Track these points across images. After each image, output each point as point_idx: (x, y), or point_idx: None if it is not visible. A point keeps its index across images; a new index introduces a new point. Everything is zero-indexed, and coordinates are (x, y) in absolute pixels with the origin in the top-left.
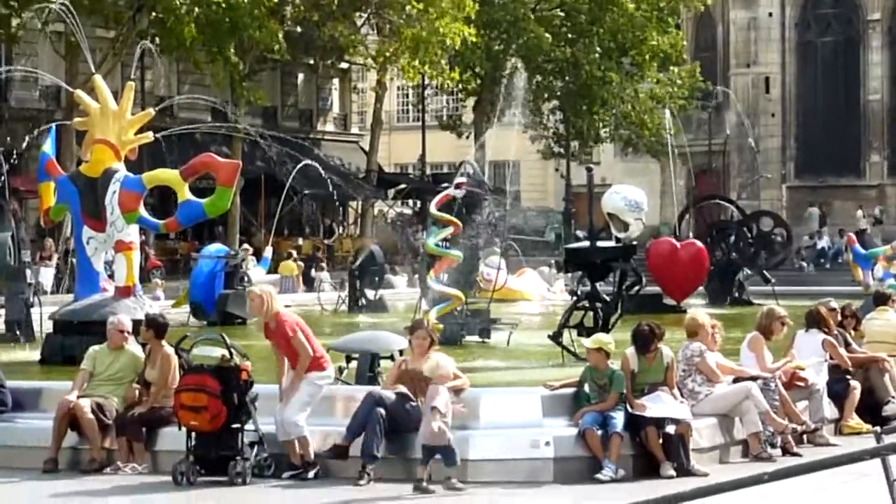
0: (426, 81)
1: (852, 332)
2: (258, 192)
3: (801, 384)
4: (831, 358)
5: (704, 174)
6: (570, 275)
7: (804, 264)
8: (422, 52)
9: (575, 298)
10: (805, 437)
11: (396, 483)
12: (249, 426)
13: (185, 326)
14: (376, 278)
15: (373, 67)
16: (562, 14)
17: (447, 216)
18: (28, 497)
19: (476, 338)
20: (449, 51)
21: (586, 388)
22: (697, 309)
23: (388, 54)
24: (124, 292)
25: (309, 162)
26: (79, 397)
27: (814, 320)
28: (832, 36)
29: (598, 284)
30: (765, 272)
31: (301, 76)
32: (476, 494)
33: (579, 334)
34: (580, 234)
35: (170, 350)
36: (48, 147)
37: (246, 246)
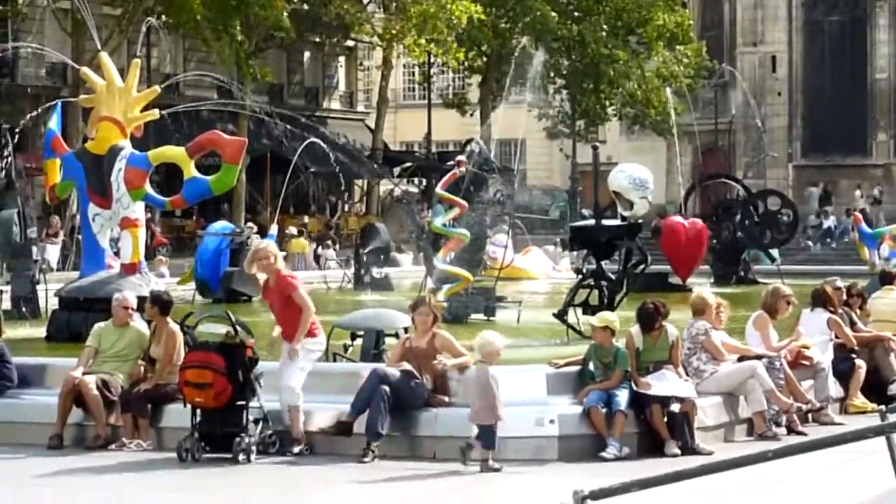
0: (432, 59)
1: (858, 311)
2: (264, 169)
3: (807, 363)
4: (837, 337)
5: (711, 153)
6: (575, 253)
7: (810, 243)
8: (428, 30)
9: (580, 277)
10: (810, 415)
11: (401, 460)
12: (254, 403)
13: (190, 303)
14: (381, 256)
15: (379, 45)
16: None
17: (453, 197)
18: (33, 473)
19: (481, 316)
20: (455, 28)
21: (591, 366)
22: (703, 287)
23: (394, 32)
24: (130, 269)
25: (314, 140)
26: (84, 374)
27: (819, 299)
28: (839, 15)
29: (603, 263)
30: (771, 251)
31: (307, 54)
32: (479, 473)
33: (584, 312)
34: (586, 212)
35: (175, 327)
36: (54, 124)
37: (251, 224)
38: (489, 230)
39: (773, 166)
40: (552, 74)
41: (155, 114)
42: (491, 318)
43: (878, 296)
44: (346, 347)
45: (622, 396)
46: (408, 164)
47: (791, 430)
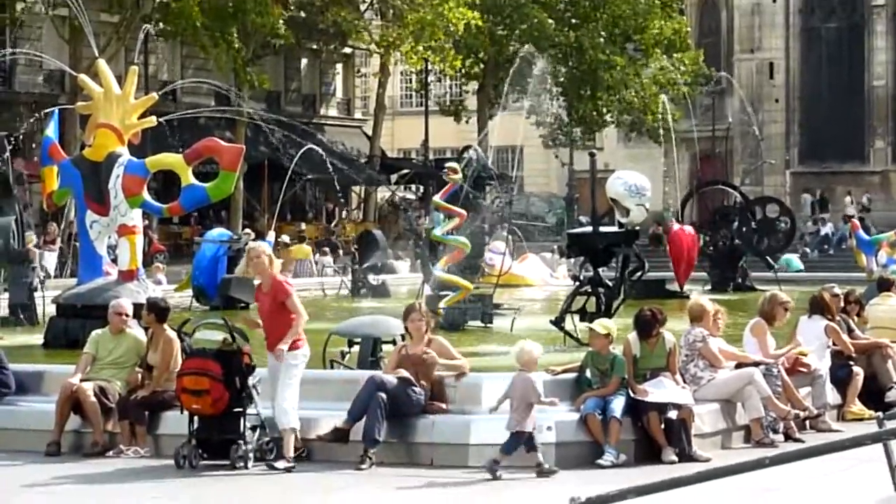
0: (429, 67)
1: (855, 318)
2: (261, 176)
3: (804, 370)
4: (834, 344)
5: (708, 160)
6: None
7: (807, 250)
8: (425, 38)
9: (577, 284)
10: (808, 422)
11: (398, 467)
12: (251, 410)
13: (187, 310)
14: (378, 263)
15: (376, 52)
16: None
17: (452, 207)
18: (31, 480)
19: (478, 323)
20: (453, 36)
21: (588, 373)
22: (701, 294)
23: (391, 39)
24: (127, 276)
25: (312, 147)
26: (82, 381)
27: (817, 306)
28: (836, 21)
29: (600, 270)
30: (768, 258)
31: (304, 61)
32: (476, 480)
33: (582, 319)
34: (583, 219)
35: (172, 334)
36: (51, 131)
37: (248, 231)
38: (487, 237)
39: (771, 173)
40: (549, 82)
41: (152, 121)
42: (488, 325)
43: (876, 302)
44: (343, 354)
45: (618, 403)
46: (405, 171)
47: (788, 437)
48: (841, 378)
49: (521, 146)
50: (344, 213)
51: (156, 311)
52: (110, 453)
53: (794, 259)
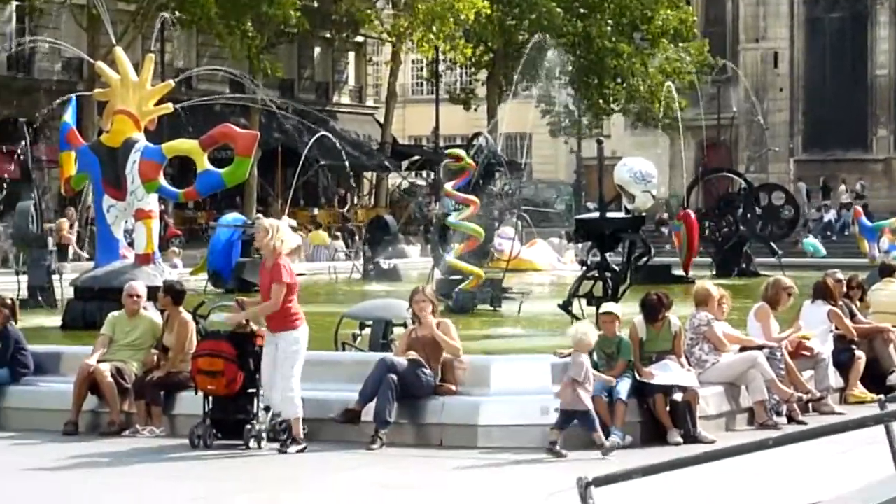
0: (440, 55)
1: (858, 303)
2: (275, 162)
3: (807, 354)
4: (837, 328)
5: (713, 147)
6: (580, 245)
7: (811, 236)
8: (436, 27)
9: (585, 268)
10: (810, 405)
11: (408, 448)
12: (263, 391)
13: (203, 293)
14: (389, 247)
15: (388, 41)
16: None
17: (466, 196)
18: (49, 458)
19: (487, 306)
20: (463, 25)
21: (595, 356)
22: (706, 279)
23: (402, 28)
24: (143, 260)
25: (325, 133)
26: (99, 362)
27: (820, 291)
28: (840, 11)
29: (607, 255)
30: (772, 244)
31: (317, 49)
32: (484, 460)
33: (589, 304)
34: (590, 205)
35: (187, 316)
36: (69, 117)
37: (259, 216)
38: (497, 223)
39: (775, 161)
40: (558, 70)
41: (169, 107)
42: (497, 309)
43: (878, 288)
44: (354, 337)
45: (623, 386)
46: (416, 158)
47: (791, 420)
48: (843, 362)
49: (530, 133)
50: (356, 198)
51: (172, 294)
52: (126, 433)
53: (819, 245)
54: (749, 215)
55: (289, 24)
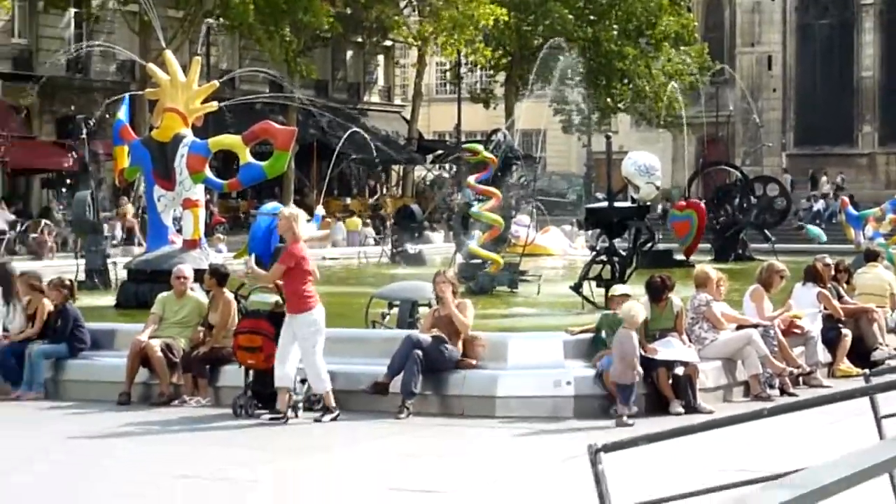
0: (462, 58)
1: (845, 286)
2: (311, 156)
3: (798, 331)
4: (825, 308)
5: (712, 143)
6: (590, 232)
7: (801, 224)
8: (458, 32)
9: (594, 253)
10: (801, 379)
11: (433, 417)
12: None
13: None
14: (416, 234)
15: (414, 45)
16: None
17: (488, 188)
18: (105, 426)
19: (506, 288)
20: (483, 30)
21: (603, 333)
22: (705, 264)
23: (427, 33)
24: (191, 245)
25: (356, 129)
26: (150, 338)
27: (810, 275)
28: (829, 18)
29: (615, 241)
30: (766, 231)
31: (350, 53)
32: (501, 428)
33: (598, 286)
34: (599, 195)
35: (230, 296)
36: (123, 114)
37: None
38: (514, 212)
39: (769, 155)
40: (570, 72)
41: (213, 106)
42: (514, 290)
43: (863, 271)
44: (383, 316)
45: None
46: (439, 152)
47: (783, 392)
48: (831, 339)
49: (544, 130)
50: (385, 189)
51: (217, 276)
52: (175, 403)
53: (821, 233)
54: (745, 205)
55: (323, 29)
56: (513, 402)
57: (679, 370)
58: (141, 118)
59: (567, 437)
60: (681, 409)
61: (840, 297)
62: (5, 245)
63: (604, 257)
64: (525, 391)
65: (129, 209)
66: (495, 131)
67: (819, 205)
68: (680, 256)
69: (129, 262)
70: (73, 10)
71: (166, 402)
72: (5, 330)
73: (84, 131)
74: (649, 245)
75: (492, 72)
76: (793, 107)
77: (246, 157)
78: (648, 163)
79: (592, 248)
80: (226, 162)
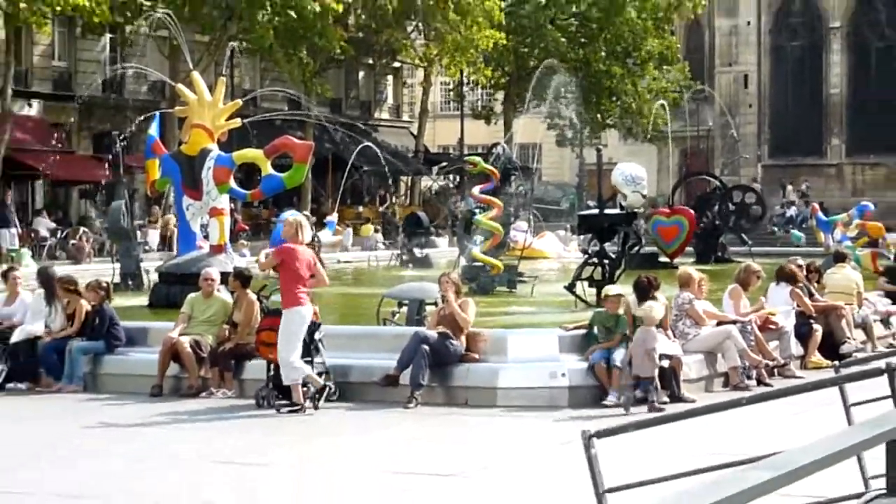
0: (464, 78)
1: (815, 285)
2: (326, 168)
3: (773, 327)
4: (798, 306)
5: (694, 155)
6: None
7: (775, 229)
8: (461, 54)
9: (586, 256)
10: (776, 370)
11: (439, 407)
12: (318, 359)
13: (266, 278)
14: (423, 239)
15: (421, 66)
16: (576, 22)
17: (491, 199)
18: (138, 416)
19: (505, 288)
20: (483, 52)
21: (595, 329)
22: (688, 265)
23: (433, 55)
24: (217, 250)
25: (368, 144)
26: (180, 335)
27: (784, 275)
28: (800, 41)
29: (605, 244)
30: (743, 235)
31: (361, 73)
32: (501, 416)
33: (590, 286)
34: (591, 203)
35: (253, 297)
36: (154, 130)
37: (306, 213)
38: (512, 218)
39: (746, 165)
40: (563, 90)
41: (237, 122)
42: (513, 290)
43: (832, 272)
44: (393, 314)
45: (619, 354)
46: (444, 164)
47: (760, 382)
48: (803, 334)
49: (540, 143)
50: (394, 198)
51: (241, 279)
52: (203, 394)
53: (802, 236)
54: (724, 211)
55: (336, 52)
56: (513, 392)
57: (664, 363)
58: (171, 134)
59: (562, 424)
60: (666, 399)
61: (811, 296)
62: (47, 251)
63: (595, 260)
64: (524, 382)
65: (172, 219)
66: (495, 145)
67: (792, 211)
68: (664, 259)
69: (161, 266)
70: (108, 36)
71: (195, 393)
72: (48, 328)
73: (118, 146)
74: (637, 248)
75: (492, 90)
76: (767, 121)
77: (267, 169)
78: (635, 173)
79: (584, 252)
80: (249, 174)
